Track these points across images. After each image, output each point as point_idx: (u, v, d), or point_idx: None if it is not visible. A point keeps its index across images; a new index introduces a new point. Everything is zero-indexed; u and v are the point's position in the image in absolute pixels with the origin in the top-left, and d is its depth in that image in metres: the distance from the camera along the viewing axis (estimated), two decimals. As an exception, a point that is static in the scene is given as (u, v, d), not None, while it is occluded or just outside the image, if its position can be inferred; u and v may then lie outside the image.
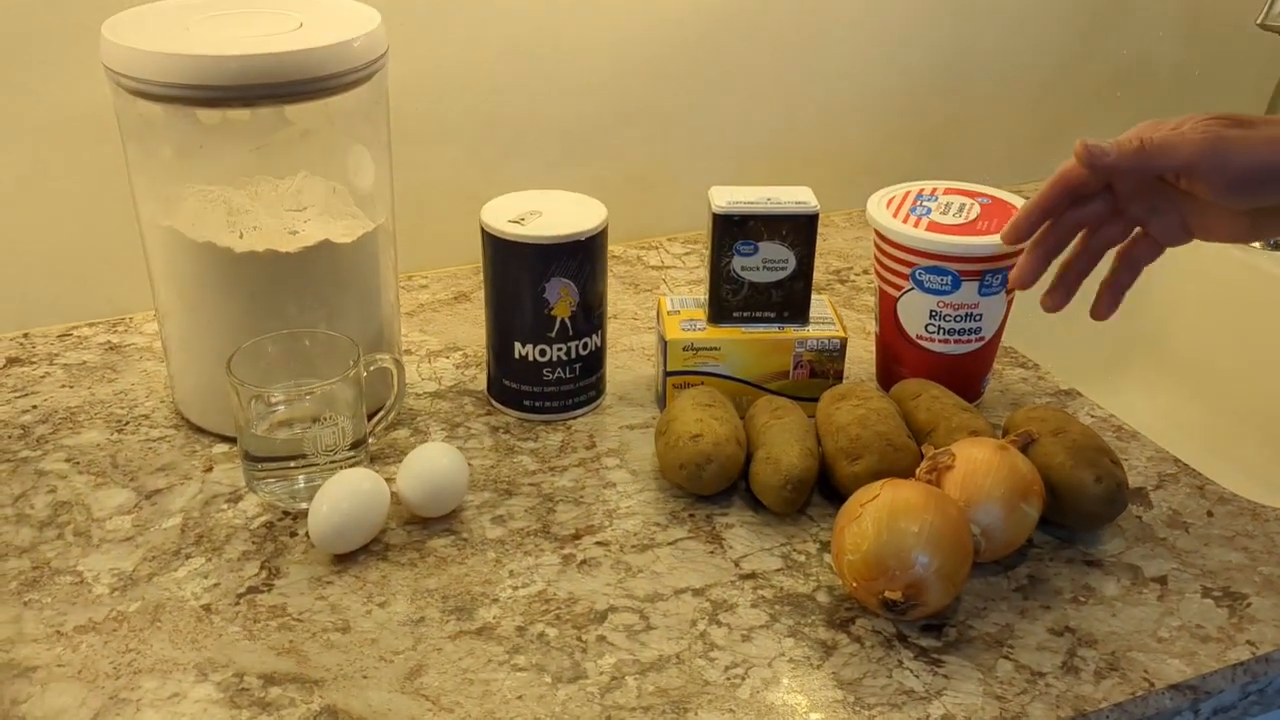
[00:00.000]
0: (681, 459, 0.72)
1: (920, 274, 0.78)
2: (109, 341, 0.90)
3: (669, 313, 0.83)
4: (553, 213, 0.78)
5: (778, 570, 0.68)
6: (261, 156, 0.76)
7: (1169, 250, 0.76)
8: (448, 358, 0.89)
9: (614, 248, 1.07)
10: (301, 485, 0.72)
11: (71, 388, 0.84)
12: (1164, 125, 0.65)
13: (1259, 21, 1.02)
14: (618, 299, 0.99)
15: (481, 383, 0.86)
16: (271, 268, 0.73)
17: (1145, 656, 0.62)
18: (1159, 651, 0.62)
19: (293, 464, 0.71)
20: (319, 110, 0.71)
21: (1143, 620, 0.64)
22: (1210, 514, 0.73)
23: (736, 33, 1.05)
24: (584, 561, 0.68)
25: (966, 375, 0.81)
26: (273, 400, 0.73)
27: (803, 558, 0.69)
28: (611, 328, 0.94)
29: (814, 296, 0.83)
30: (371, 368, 0.74)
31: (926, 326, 0.80)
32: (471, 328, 0.93)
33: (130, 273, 0.91)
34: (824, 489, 0.74)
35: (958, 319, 0.79)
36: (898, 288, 0.80)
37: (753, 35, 1.06)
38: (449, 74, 0.97)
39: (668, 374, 0.81)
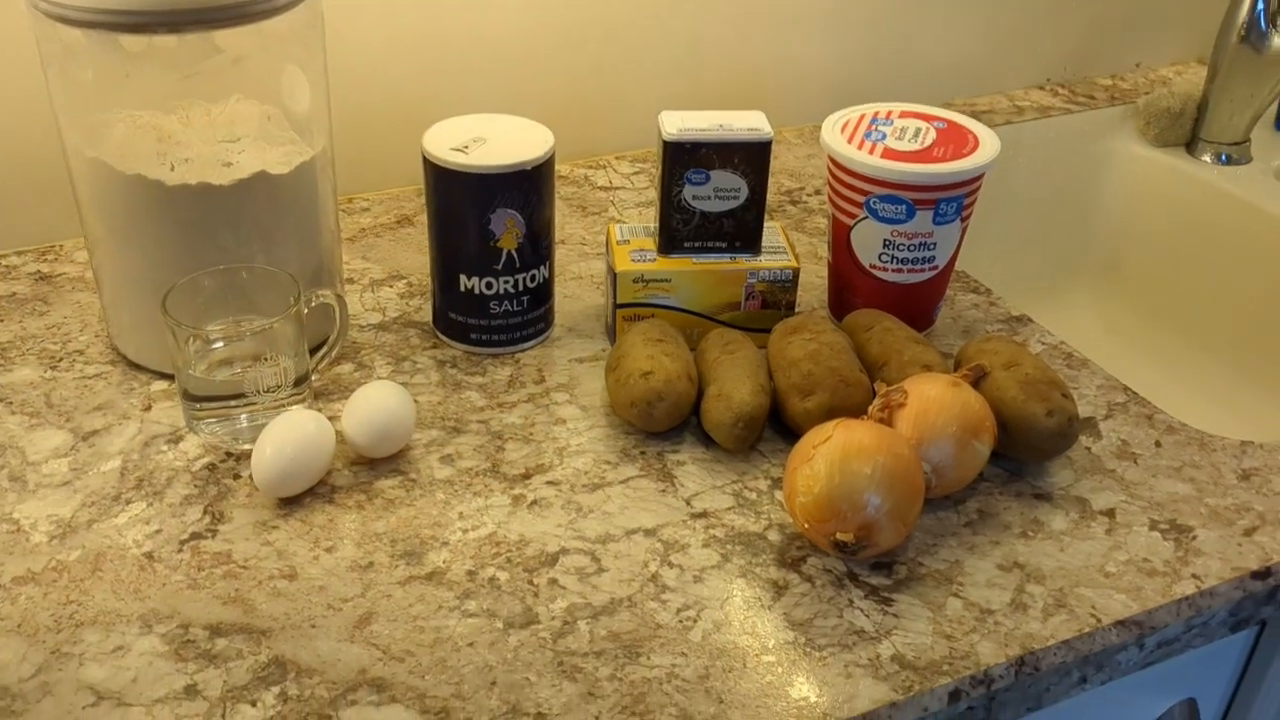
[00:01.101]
0: (632, 397, 0.71)
1: (874, 202, 0.77)
2: (39, 271, 0.87)
3: (618, 243, 0.81)
4: (497, 140, 0.76)
5: (729, 509, 0.67)
6: (192, 81, 0.72)
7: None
8: (391, 287, 0.87)
9: (561, 168, 1.05)
10: (244, 425, 0.70)
11: (1, 321, 0.81)
12: None
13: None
14: (565, 223, 0.96)
15: (427, 313, 0.84)
16: (205, 201, 0.70)
17: (1092, 592, 0.63)
18: (1106, 586, 0.63)
19: (234, 403, 0.70)
20: (251, 34, 0.68)
21: (1090, 555, 0.65)
22: (1158, 444, 0.74)
23: (687, -57, 1.02)
24: (534, 502, 0.67)
25: (920, 304, 0.81)
26: (211, 340, 0.70)
27: (754, 495, 0.69)
28: (559, 254, 0.92)
29: (766, 224, 0.82)
30: (313, 304, 0.72)
31: (880, 256, 0.79)
32: (415, 254, 0.91)
33: (59, 198, 0.87)
34: (776, 424, 0.74)
35: (912, 248, 0.78)
36: (851, 216, 0.79)
37: (703, -54, 1.03)
38: (387, -12, 0.93)
39: (617, 306, 0.79)
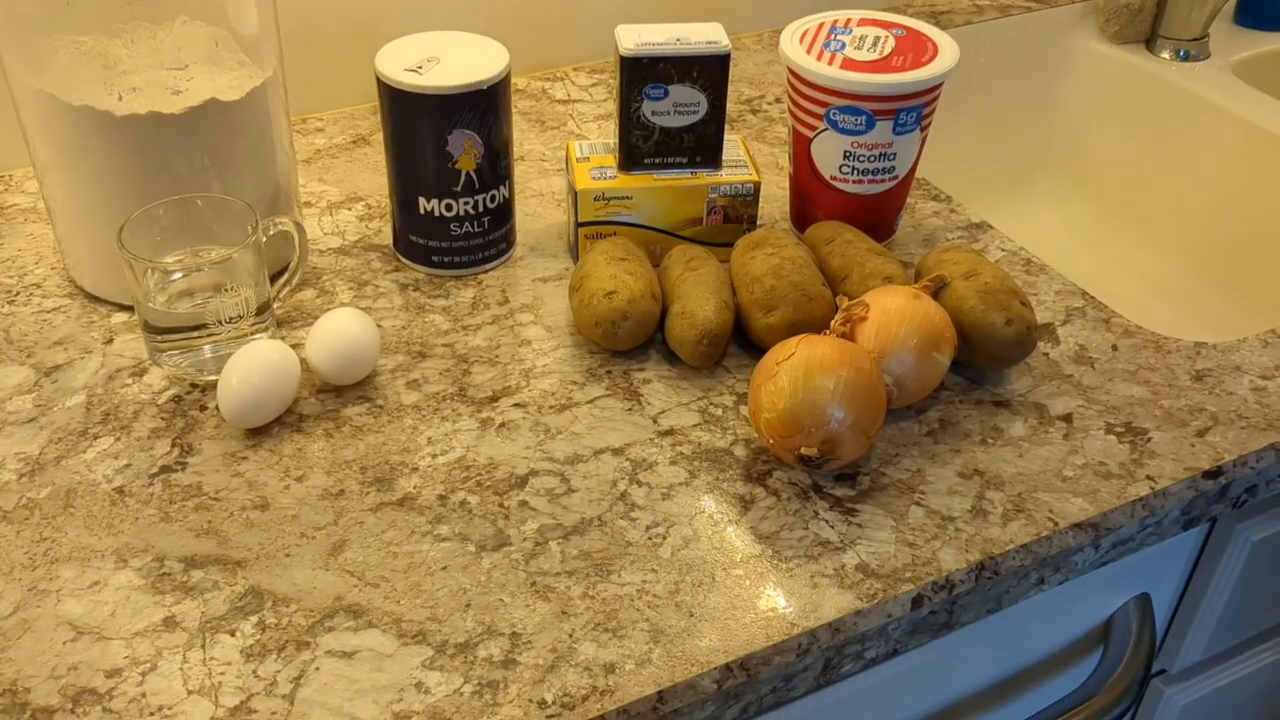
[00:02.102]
0: (596, 316, 0.71)
1: (834, 114, 0.76)
2: (-11, 203, 0.86)
3: (578, 160, 0.80)
4: (452, 59, 0.74)
5: (695, 425, 0.68)
6: (135, 5, 0.70)
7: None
8: (350, 209, 0.86)
9: (518, 80, 1.03)
10: (208, 355, 0.70)
11: (-47, 256, 0.80)
12: None
13: None
14: (524, 139, 0.96)
15: (387, 236, 0.83)
16: (156, 130, 0.69)
17: (1050, 496, 0.64)
18: (1063, 491, 0.65)
19: (196, 334, 0.69)
20: (193, -43, 0.66)
21: (1048, 460, 0.67)
22: (1115, 348, 0.75)
23: None
24: (502, 425, 0.68)
25: (880, 215, 0.81)
26: (170, 272, 0.70)
27: (720, 411, 0.69)
28: (518, 170, 0.91)
29: (727, 137, 0.81)
30: (271, 232, 0.72)
31: (841, 168, 0.79)
32: (373, 175, 0.90)
33: (4, 127, 0.85)
34: (739, 339, 0.74)
35: (872, 159, 0.78)
36: (812, 128, 0.78)
37: None
38: (333, -100, 0.90)
39: (579, 224, 0.79)
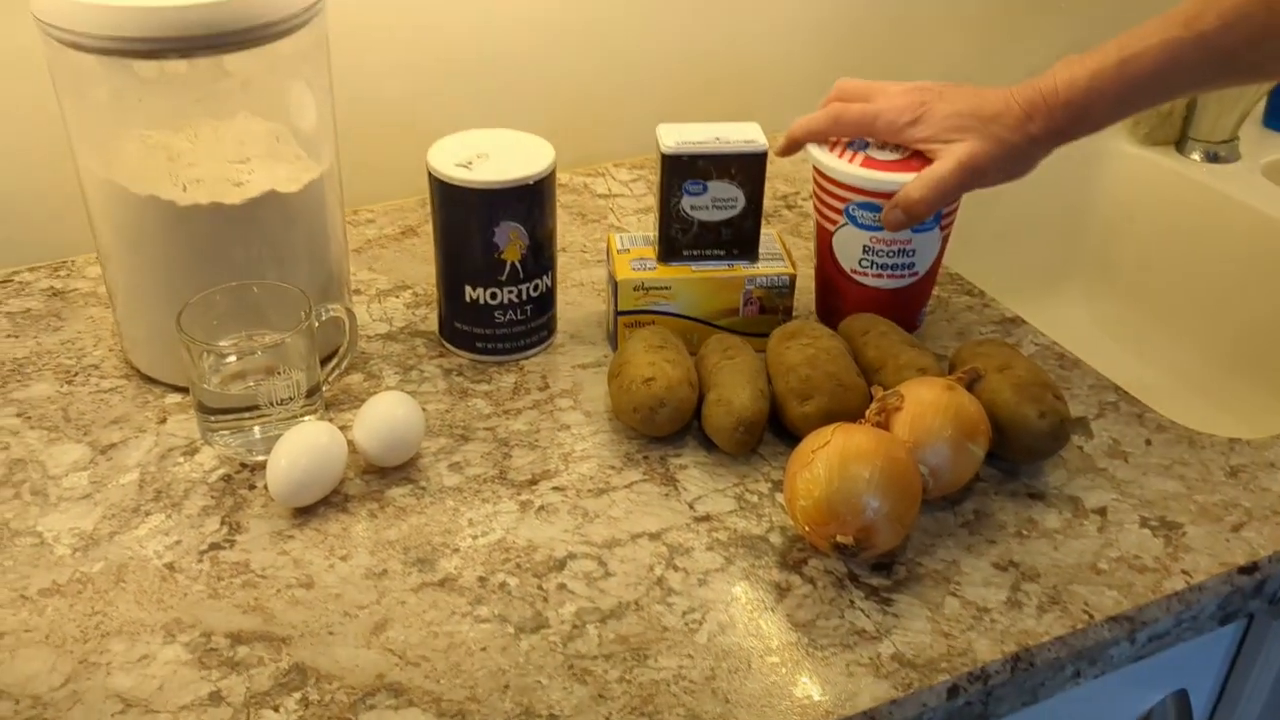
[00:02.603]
0: (635, 402, 0.73)
1: (853, 209, 0.79)
2: (52, 287, 0.89)
3: (619, 251, 0.83)
4: (500, 155, 0.77)
5: (731, 512, 0.69)
6: (201, 101, 0.74)
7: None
8: (398, 297, 0.89)
9: (561, 176, 1.07)
10: (258, 436, 0.72)
11: (17, 337, 0.83)
12: (918, 113, 0.76)
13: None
14: (566, 231, 0.98)
15: (433, 322, 0.86)
16: (216, 220, 0.72)
17: (1085, 589, 0.65)
18: (1098, 584, 0.65)
19: (248, 416, 0.71)
20: (258, 57, 0.69)
21: (1083, 552, 0.67)
22: (1149, 442, 0.76)
23: (681, -47, 1.04)
24: (542, 508, 0.69)
25: (902, 309, 0.83)
26: (225, 355, 0.72)
27: (755, 498, 0.70)
28: (561, 261, 0.94)
29: (763, 231, 0.84)
30: (323, 317, 0.74)
31: (860, 261, 0.81)
32: (421, 265, 0.93)
33: (70, 214, 0.89)
34: (775, 427, 0.75)
35: (891, 254, 0.80)
36: (833, 222, 0.81)
37: (698, -44, 1.04)
38: (389, 5, 0.95)
39: (619, 313, 0.81)
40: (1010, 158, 0.74)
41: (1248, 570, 0.66)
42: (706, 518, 0.69)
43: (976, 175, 0.74)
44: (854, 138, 0.79)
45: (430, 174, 0.77)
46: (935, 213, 0.76)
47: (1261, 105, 1.23)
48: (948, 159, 0.74)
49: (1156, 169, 1.18)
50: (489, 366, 0.81)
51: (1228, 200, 1.12)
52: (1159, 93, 0.71)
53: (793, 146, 0.81)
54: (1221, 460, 0.74)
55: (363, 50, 0.95)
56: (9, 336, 0.83)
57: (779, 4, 1.10)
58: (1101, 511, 0.70)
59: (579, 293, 0.90)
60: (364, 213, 1.00)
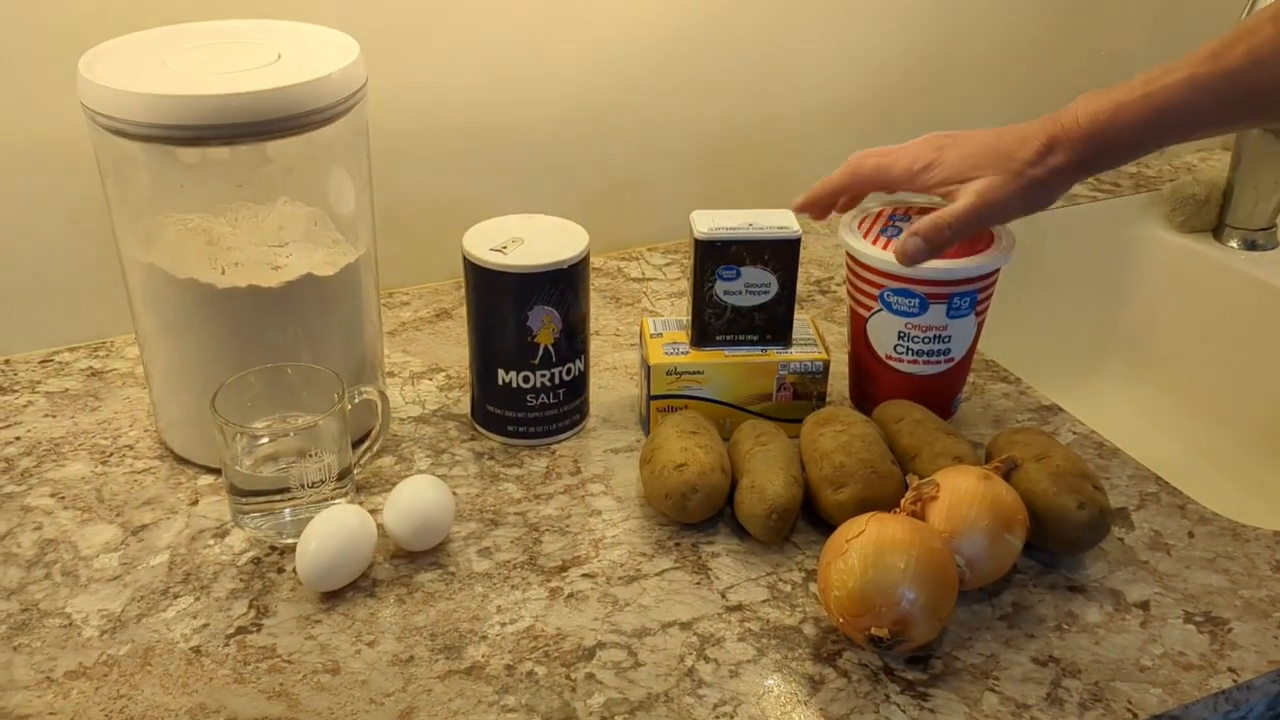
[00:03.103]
0: (667, 488, 0.72)
1: (888, 295, 0.78)
2: (90, 367, 0.90)
3: (652, 336, 0.83)
4: (535, 240, 0.78)
5: (764, 601, 0.68)
6: (242, 187, 0.75)
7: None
8: (431, 379, 0.89)
9: (595, 260, 1.07)
10: (288, 519, 0.72)
11: (54, 417, 0.84)
12: (936, 166, 0.76)
13: (1243, 17, 1.02)
14: (599, 314, 0.99)
15: (465, 405, 0.86)
16: (253, 302, 0.73)
17: (1128, 686, 0.63)
18: (1142, 681, 0.63)
19: (279, 498, 0.71)
20: (300, 144, 0.71)
21: (1125, 648, 0.65)
22: (1191, 535, 0.74)
23: (716, 42, 1.05)
24: (571, 595, 0.68)
25: (937, 396, 0.82)
26: (258, 437, 0.72)
27: (789, 587, 0.69)
28: (594, 344, 0.94)
29: (797, 316, 0.83)
30: (356, 400, 0.74)
31: (895, 347, 0.80)
32: (454, 347, 0.93)
33: (110, 296, 0.90)
34: (809, 514, 0.74)
35: (926, 340, 0.79)
36: (867, 308, 0.80)
37: (733, 45, 1.06)
38: (427, 91, 0.96)
39: (652, 398, 0.81)
40: (1030, 190, 0.73)
41: (1297, 669, 0.64)
42: (739, 607, 0.68)
43: (996, 207, 0.73)
44: (873, 189, 0.79)
45: (465, 258, 0.77)
46: (954, 243, 0.75)
47: (1299, 193, 1.22)
48: (966, 194, 0.74)
49: (1194, 256, 1.17)
50: (521, 450, 0.81)
51: (1266, 287, 1.11)
52: (1184, 127, 0.70)
53: (811, 204, 0.80)
54: (1267, 554, 0.72)
55: (402, 136, 0.97)
56: (46, 416, 0.84)
57: (814, 90, 1.11)
58: (1144, 605, 0.68)
59: (612, 376, 0.90)
60: (399, 295, 1.01)
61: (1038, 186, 0.73)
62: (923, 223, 0.74)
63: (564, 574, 0.70)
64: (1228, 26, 1.03)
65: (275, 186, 0.75)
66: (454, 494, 0.76)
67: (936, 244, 0.74)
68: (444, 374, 0.90)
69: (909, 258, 0.75)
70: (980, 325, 0.81)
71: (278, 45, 0.74)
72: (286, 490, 0.71)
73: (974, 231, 0.75)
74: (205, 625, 0.66)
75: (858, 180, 0.79)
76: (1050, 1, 1.19)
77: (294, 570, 0.69)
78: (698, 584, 0.69)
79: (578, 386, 0.82)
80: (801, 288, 1.03)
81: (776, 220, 0.79)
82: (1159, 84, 0.69)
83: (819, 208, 0.81)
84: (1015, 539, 0.67)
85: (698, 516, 0.73)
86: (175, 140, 0.68)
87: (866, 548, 0.63)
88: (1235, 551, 0.73)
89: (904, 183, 0.77)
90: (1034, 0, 1.18)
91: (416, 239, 1.00)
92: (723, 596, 0.69)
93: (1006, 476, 0.71)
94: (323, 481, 0.71)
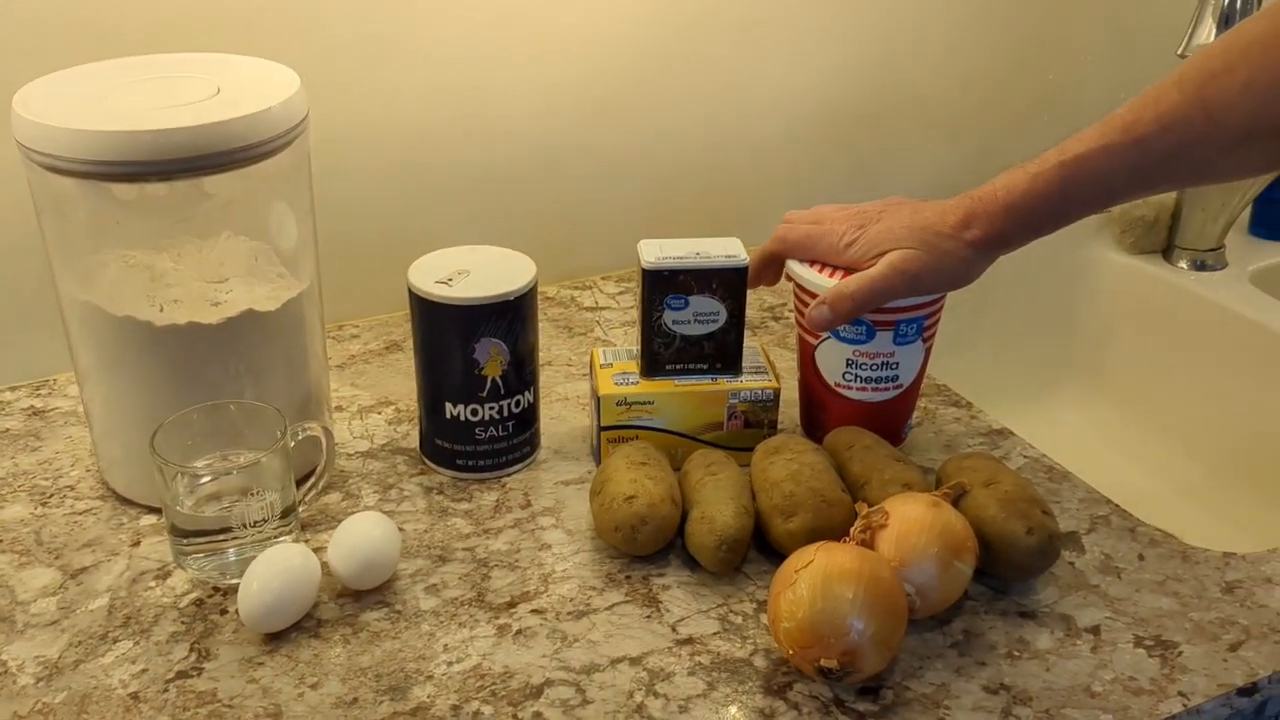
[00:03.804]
0: (616, 521, 0.71)
1: None
2: (32, 406, 0.88)
3: (601, 366, 0.82)
4: (481, 271, 0.77)
5: (715, 634, 0.68)
6: (182, 222, 0.74)
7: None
8: (379, 413, 0.88)
9: (547, 289, 1.07)
10: (232, 559, 0.71)
11: (-7, 458, 0.82)
12: (859, 234, 0.77)
13: (1179, 53, 1.03)
14: (551, 344, 0.98)
15: (414, 439, 0.85)
16: (193, 339, 0.72)
17: (1079, 713, 0.62)
18: (1093, 707, 0.63)
19: (221, 538, 0.70)
20: (239, 179, 0.70)
21: (1076, 674, 0.65)
22: (1142, 557, 0.74)
23: (668, 71, 1.05)
24: (519, 631, 0.67)
25: (887, 422, 0.82)
26: (198, 476, 0.71)
27: (740, 619, 0.69)
28: (545, 375, 0.93)
29: (747, 344, 0.83)
30: (300, 437, 0.73)
31: (844, 374, 0.80)
32: (404, 380, 0.92)
33: (54, 334, 0.88)
34: (760, 544, 0.74)
35: (874, 367, 0.79)
36: (815, 336, 0.80)
37: (682, 73, 1.06)
38: (373, 122, 0.96)
39: (602, 429, 0.80)
40: (946, 264, 0.74)
41: (1247, 691, 0.64)
42: (689, 640, 0.67)
43: (908, 278, 0.74)
44: (800, 259, 0.80)
45: (410, 291, 0.77)
46: (861, 314, 0.76)
47: (1247, 213, 1.23)
48: (879, 264, 0.75)
49: (1145, 277, 1.18)
50: (470, 484, 0.80)
51: (1215, 307, 1.12)
52: (1101, 196, 0.72)
53: (755, 280, 0.82)
54: (1217, 575, 0.72)
55: (348, 168, 0.96)
56: (-15, 457, 0.82)
57: (764, 119, 1.12)
58: (1095, 630, 0.68)
59: (564, 407, 0.90)
60: (349, 328, 1.00)
61: (952, 260, 0.74)
62: (829, 291, 0.76)
63: (512, 610, 0.69)
64: (1173, 51, 1.05)
65: (214, 221, 0.74)
66: (401, 530, 0.75)
67: (840, 313, 0.76)
68: (393, 407, 0.89)
69: (814, 324, 0.77)
70: (928, 351, 0.81)
71: (217, 79, 0.73)
72: (229, 530, 0.70)
73: (884, 301, 0.75)
74: (144, 670, 0.64)
75: (786, 249, 0.80)
76: (1000, 32, 1.20)
77: (237, 612, 0.68)
78: (648, 617, 0.69)
79: (527, 419, 0.81)
80: (755, 314, 1.03)
81: (724, 249, 0.79)
82: (1073, 154, 0.71)
83: (755, 281, 0.82)
84: (965, 566, 0.67)
85: (648, 549, 0.72)
86: (112, 176, 0.67)
87: (815, 578, 0.62)
88: (1185, 574, 0.73)
89: (829, 257, 0.78)
90: (984, 31, 1.19)
91: (366, 271, 0.99)
92: (673, 630, 0.68)
93: (955, 503, 0.71)
94: (265, 520, 0.70)
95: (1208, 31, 1.03)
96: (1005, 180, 0.73)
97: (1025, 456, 0.84)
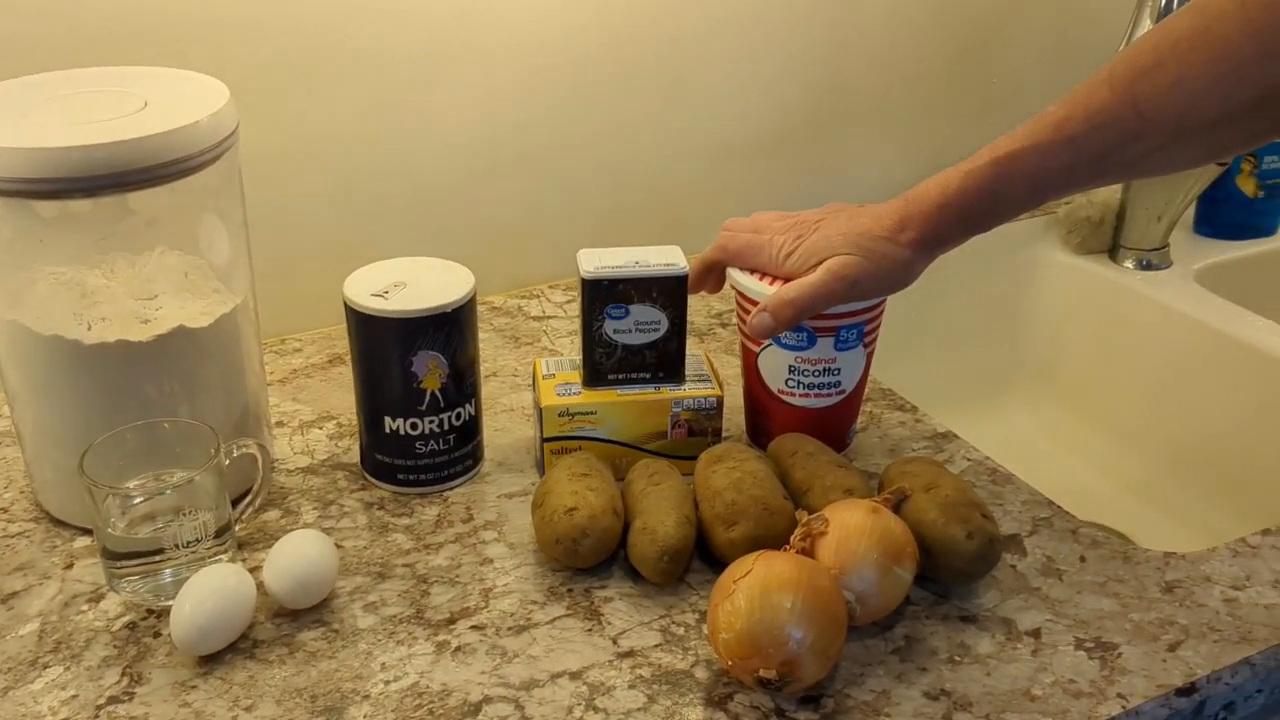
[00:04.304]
0: (557, 534, 0.71)
1: None
2: (-36, 427, 0.87)
3: (544, 377, 0.82)
4: (418, 283, 0.77)
5: (656, 646, 0.67)
6: (111, 239, 0.73)
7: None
8: (321, 428, 0.87)
9: (494, 299, 1.06)
10: (168, 580, 0.70)
11: (-77, 481, 0.81)
12: (797, 245, 0.77)
13: (1120, 49, 1.04)
14: (498, 355, 0.97)
15: (356, 454, 0.84)
16: (124, 358, 0.71)
17: (1019, 717, 0.62)
18: (1033, 711, 0.63)
19: (156, 559, 0.69)
20: (165, 194, 0.69)
21: (1017, 678, 0.65)
22: (1083, 559, 0.74)
23: (612, 77, 1.05)
24: (459, 648, 0.67)
25: (831, 427, 0.82)
26: (130, 497, 0.70)
27: (681, 630, 0.68)
28: (491, 386, 0.92)
29: (691, 352, 0.83)
30: (235, 454, 0.72)
31: (786, 381, 0.80)
32: (346, 394, 0.91)
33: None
34: (704, 554, 0.74)
35: (816, 373, 0.79)
36: (757, 343, 0.80)
37: (627, 81, 1.05)
38: (310, 134, 0.95)
39: (545, 440, 0.80)
40: (884, 267, 0.74)
41: (1185, 692, 0.64)
42: (630, 653, 0.67)
43: (847, 283, 0.74)
44: (740, 267, 0.80)
45: (346, 304, 0.76)
46: (802, 320, 0.76)
47: (1191, 212, 1.24)
48: (820, 269, 0.75)
49: (1091, 278, 1.19)
50: (411, 499, 0.79)
51: (1161, 307, 1.12)
52: (1032, 193, 0.72)
53: (696, 286, 0.82)
54: (1157, 575, 0.73)
55: (285, 180, 0.95)
56: (-84, 480, 0.81)
57: (711, 124, 1.11)
58: (1035, 633, 0.68)
59: (509, 419, 0.89)
60: (291, 341, 0.99)
61: (890, 263, 0.74)
62: (771, 298, 0.76)
63: (452, 627, 0.68)
64: (1112, 53, 1.05)
65: (146, 237, 0.73)
66: (341, 547, 0.74)
67: (782, 320, 0.75)
68: (335, 422, 0.88)
69: (755, 331, 0.77)
70: (870, 356, 0.81)
71: (144, 93, 0.72)
72: (162, 551, 0.69)
73: (825, 307, 0.75)
74: (74, 696, 0.63)
75: (726, 257, 0.80)
76: (943, 36, 1.20)
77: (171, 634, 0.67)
78: (589, 631, 0.68)
79: (469, 431, 0.80)
80: (702, 321, 1.03)
81: (664, 257, 0.79)
82: (1004, 152, 0.71)
83: (696, 286, 0.82)
84: (905, 572, 0.67)
85: (590, 561, 0.72)
86: (36, 194, 0.65)
87: (753, 588, 0.62)
88: (1126, 574, 0.73)
89: (769, 268, 0.78)
90: (927, 35, 1.19)
91: (307, 284, 0.98)
92: (614, 643, 0.67)
93: (896, 508, 0.71)
94: (199, 540, 0.69)
95: (1146, 29, 1.03)
96: (939, 180, 0.73)
97: (969, 459, 0.84)
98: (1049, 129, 0.69)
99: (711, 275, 0.82)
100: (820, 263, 0.75)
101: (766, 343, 0.79)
